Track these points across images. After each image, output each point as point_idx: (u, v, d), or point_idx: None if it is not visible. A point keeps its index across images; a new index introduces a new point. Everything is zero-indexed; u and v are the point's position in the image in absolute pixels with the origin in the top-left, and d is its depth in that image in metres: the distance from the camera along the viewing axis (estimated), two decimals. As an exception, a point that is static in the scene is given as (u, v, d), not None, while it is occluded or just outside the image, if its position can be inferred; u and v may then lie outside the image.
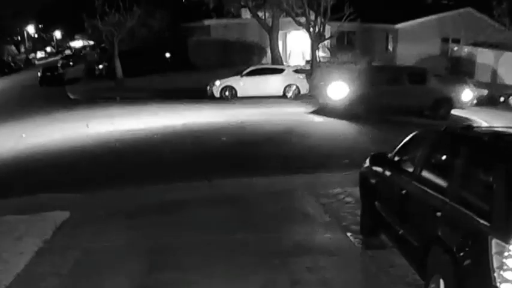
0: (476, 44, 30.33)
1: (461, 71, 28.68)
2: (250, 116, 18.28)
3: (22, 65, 63.73)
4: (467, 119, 17.60)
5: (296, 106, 20.47)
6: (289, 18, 30.86)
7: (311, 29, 28.85)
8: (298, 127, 15.99)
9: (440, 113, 17.40)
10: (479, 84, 25.13)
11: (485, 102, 24.09)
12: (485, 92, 24.56)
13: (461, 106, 18.02)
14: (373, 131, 15.17)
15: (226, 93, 23.04)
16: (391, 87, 17.33)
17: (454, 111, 17.95)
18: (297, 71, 25.14)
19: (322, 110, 18.29)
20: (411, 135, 5.95)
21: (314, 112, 18.75)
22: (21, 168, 12.38)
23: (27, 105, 26.30)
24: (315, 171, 10.39)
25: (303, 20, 29.49)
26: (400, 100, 17.07)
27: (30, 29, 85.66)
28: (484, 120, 17.73)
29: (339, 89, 17.44)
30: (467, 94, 17.95)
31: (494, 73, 26.63)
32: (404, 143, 6.00)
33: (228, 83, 23.27)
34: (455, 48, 32.47)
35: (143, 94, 27.31)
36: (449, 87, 18.17)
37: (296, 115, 18.39)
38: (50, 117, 20.99)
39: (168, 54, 40.79)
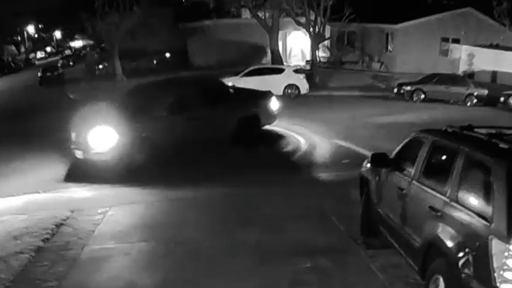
0: (476, 44, 30.39)
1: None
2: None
3: (22, 65, 63.86)
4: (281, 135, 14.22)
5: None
6: (289, 18, 30.93)
7: (311, 29, 28.92)
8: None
9: (247, 135, 12.82)
10: (478, 85, 25.22)
11: (485, 102, 24.20)
12: (485, 92, 24.62)
13: (272, 120, 14.10)
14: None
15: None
16: (190, 114, 11.67)
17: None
18: (297, 71, 25.16)
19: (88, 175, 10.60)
20: (411, 135, 5.93)
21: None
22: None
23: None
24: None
25: (303, 20, 29.55)
26: (202, 129, 11.92)
27: (30, 29, 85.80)
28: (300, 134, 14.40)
29: (103, 135, 10.75)
30: (274, 104, 14.08)
31: (494, 73, 26.64)
32: (405, 143, 5.99)
33: (228, 83, 23.25)
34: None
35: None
36: (252, 103, 13.61)
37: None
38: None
39: (168, 54, 40.85)
